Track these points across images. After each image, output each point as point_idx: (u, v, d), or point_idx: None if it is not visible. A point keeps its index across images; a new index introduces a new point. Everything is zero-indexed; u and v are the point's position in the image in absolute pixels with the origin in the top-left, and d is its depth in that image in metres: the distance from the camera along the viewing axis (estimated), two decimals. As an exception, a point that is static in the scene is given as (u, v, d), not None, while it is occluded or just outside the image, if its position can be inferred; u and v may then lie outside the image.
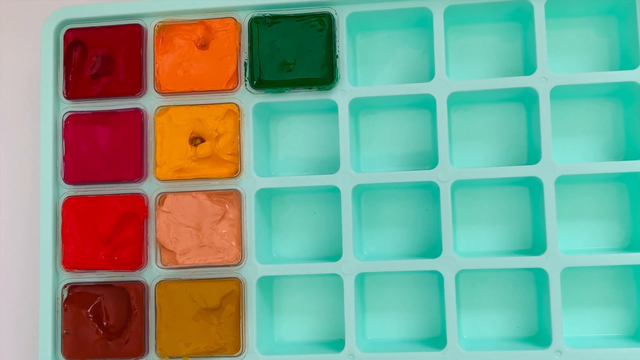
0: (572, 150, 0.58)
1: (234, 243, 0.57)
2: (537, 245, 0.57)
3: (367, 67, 0.60)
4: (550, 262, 0.54)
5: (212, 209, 0.57)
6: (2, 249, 0.63)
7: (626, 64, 0.57)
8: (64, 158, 0.58)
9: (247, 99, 0.58)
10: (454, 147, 0.59)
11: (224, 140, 0.57)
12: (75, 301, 0.57)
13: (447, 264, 0.55)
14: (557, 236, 0.54)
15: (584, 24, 0.59)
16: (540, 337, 0.57)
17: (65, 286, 0.58)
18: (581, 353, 0.54)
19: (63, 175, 0.58)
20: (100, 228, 0.58)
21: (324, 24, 0.57)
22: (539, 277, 0.57)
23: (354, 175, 0.56)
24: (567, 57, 0.59)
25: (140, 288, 0.57)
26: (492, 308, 0.58)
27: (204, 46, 0.58)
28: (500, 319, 0.58)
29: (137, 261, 0.57)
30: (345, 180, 0.56)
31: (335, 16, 0.57)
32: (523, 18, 0.58)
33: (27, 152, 0.63)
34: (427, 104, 0.58)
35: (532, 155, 0.58)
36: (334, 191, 0.57)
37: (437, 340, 0.57)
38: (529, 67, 0.58)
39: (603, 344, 0.55)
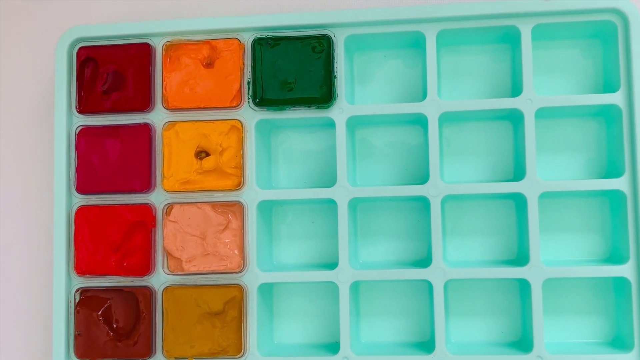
0: (557, 166, 0.60)
1: (236, 251, 0.59)
2: (521, 256, 0.59)
3: (363, 85, 0.62)
4: (532, 273, 0.56)
5: (216, 219, 0.59)
6: (18, 255, 0.64)
7: (609, 86, 0.59)
8: (77, 169, 0.60)
9: (250, 115, 0.59)
10: (445, 162, 0.61)
11: (227, 155, 0.59)
12: (86, 304, 0.59)
13: (436, 274, 0.57)
14: (539, 249, 0.56)
15: (570, 46, 0.61)
16: (523, 342, 0.59)
17: (77, 290, 0.59)
18: (561, 358, 0.56)
19: (75, 186, 0.60)
20: (111, 236, 0.59)
21: (323, 45, 0.59)
22: (523, 287, 0.59)
23: (350, 189, 0.58)
24: (554, 78, 0.61)
25: (148, 293, 0.59)
26: (479, 315, 0.60)
27: (209, 65, 0.60)
28: (486, 325, 0.60)
29: (145, 267, 0.59)
30: (341, 194, 0.58)
31: (333, 38, 0.59)
32: (512, 40, 0.60)
33: (41, 164, 0.64)
34: (419, 121, 0.60)
35: (518, 171, 0.59)
36: (332, 203, 0.59)
37: (427, 345, 0.59)
38: (516, 87, 0.59)
39: (582, 350, 0.57)
